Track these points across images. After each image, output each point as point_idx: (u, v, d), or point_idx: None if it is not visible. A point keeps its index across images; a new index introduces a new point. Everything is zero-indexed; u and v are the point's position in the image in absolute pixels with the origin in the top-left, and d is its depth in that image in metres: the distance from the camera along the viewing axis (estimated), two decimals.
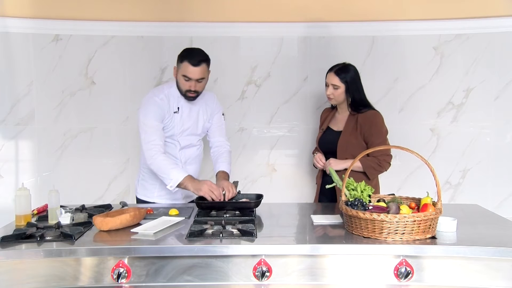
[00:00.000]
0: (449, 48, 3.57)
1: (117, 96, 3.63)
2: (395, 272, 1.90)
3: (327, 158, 2.85)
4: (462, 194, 3.64)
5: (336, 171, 2.68)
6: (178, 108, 2.73)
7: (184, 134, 2.77)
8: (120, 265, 1.89)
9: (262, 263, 1.90)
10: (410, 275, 1.88)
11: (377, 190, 2.86)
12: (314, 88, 3.64)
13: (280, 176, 3.72)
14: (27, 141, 3.62)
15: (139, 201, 2.88)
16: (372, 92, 3.49)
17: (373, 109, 2.87)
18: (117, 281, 1.88)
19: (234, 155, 3.68)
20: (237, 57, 3.65)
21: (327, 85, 2.86)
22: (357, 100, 2.84)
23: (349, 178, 2.26)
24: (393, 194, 2.41)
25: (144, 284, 1.91)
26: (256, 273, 1.89)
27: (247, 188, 3.63)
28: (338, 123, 2.93)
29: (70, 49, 3.58)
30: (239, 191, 2.66)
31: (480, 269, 1.90)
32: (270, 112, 3.68)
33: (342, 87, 2.81)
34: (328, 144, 2.90)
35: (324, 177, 2.92)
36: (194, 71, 2.60)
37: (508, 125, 3.59)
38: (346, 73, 2.82)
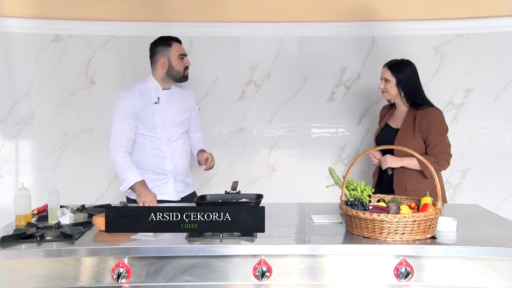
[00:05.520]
0: (449, 48, 3.56)
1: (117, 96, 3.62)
2: (395, 272, 1.90)
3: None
4: (462, 194, 3.64)
5: (393, 168, 2.75)
6: (158, 98, 2.79)
7: (167, 126, 2.81)
8: (120, 265, 1.89)
9: (262, 263, 1.90)
10: (410, 275, 1.88)
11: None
12: (314, 88, 3.64)
13: (280, 176, 3.72)
14: (27, 141, 3.62)
15: (130, 201, 2.81)
16: (372, 92, 3.49)
17: (433, 106, 2.85)
18: (117, 281, 1.88)
19: (234, 155, 3.69)
20: (237, 57, 3.64)
21: (381, 79, 2.88)
22: (412, 96, 2.83)
23: (349, 178, 2.25)
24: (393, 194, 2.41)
25: (144, 284, 1.91)
26: (256, 273, 1.89)
27: (247, 188, 3.62)
28: (396, 120, 2.92)
29: (70, 49, 3.57)
30: (239, 191, 2.66)
31: (480, 269, 1.90)
32: (270, 112, 3.68)
33: (392, 81, 2.81)
34: (385, 142, 2.86)
35: (381, 174, 2.91)
36: (183, 47, 2.85)
37: (508, 125, 3.58)
38: (400, 67, 2.83)
